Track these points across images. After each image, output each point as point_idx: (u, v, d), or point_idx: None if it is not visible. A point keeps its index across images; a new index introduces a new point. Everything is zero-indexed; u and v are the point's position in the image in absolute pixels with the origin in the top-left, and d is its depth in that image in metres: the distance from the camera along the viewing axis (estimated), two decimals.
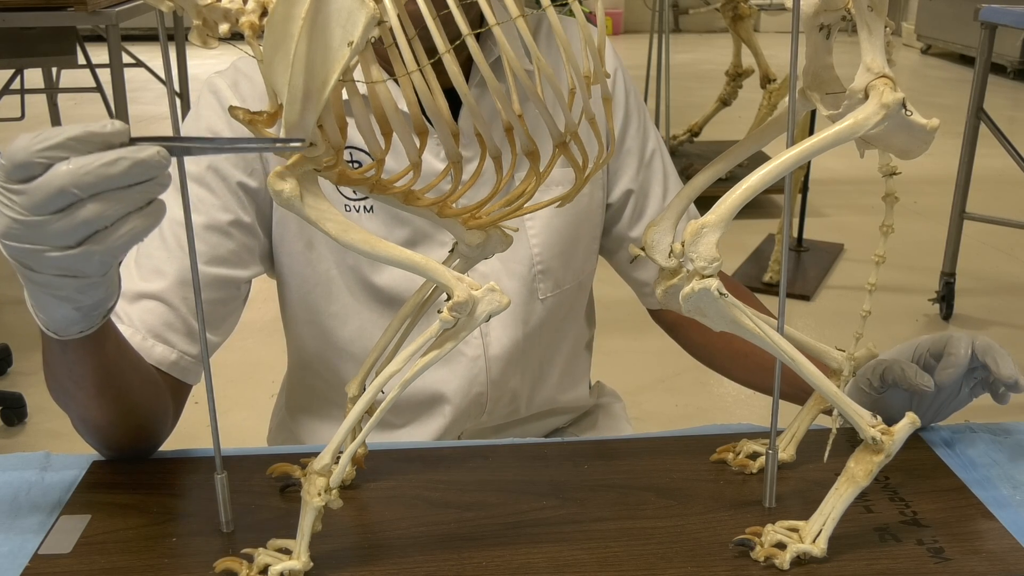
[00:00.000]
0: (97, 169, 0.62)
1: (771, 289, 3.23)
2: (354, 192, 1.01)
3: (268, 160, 1.00)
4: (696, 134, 4.23)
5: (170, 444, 0.95)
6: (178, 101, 3.78)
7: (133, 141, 0.64)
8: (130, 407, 0.87)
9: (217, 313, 1.00)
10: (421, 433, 1.10)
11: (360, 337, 1.05)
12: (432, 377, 1.07)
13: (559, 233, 1.08)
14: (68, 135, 0.63)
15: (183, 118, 0.97)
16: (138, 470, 0.89)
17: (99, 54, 3.23)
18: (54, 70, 3.70)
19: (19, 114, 3.82)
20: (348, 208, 1.02)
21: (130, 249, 0.68)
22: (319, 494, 0.71)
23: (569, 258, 1.10)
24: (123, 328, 0.93)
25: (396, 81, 0.69)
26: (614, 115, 1.10)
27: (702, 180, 0.82)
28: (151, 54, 3.91)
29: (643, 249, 0.79)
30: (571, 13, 0.71)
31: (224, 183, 0.98)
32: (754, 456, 0.90)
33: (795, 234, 3.63)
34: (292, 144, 0.65)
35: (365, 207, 1.02)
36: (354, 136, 0.97)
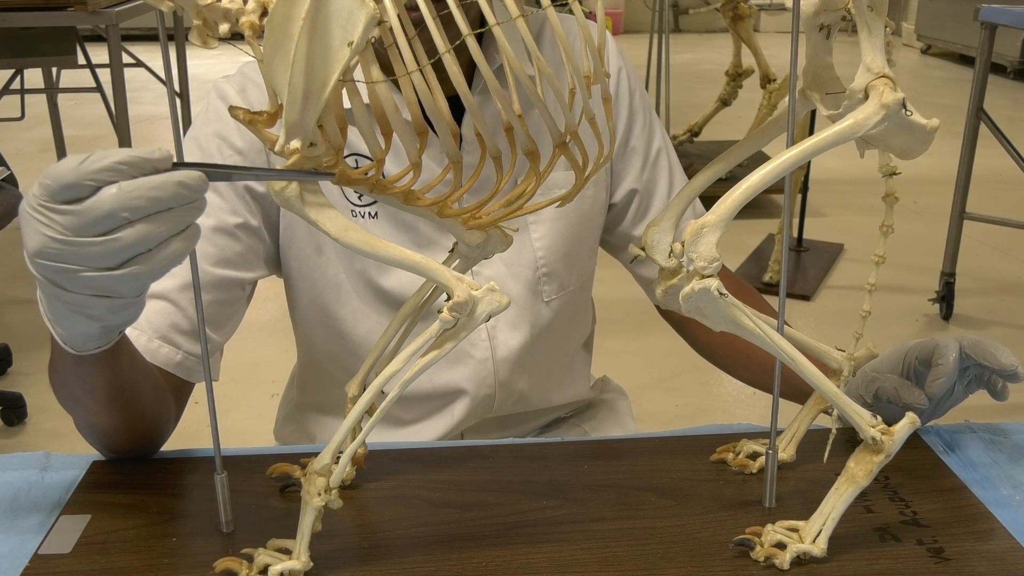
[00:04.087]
0: (147, 192, 0.62)
1: (771, 289, 3.23)
2: (360, 198, 1.02)
3: (274, 165, 1.00)
4: (696, 134, 4.23)
5: (170, 444, 0.95)
6: (178, 101, 3.78)
7: (175, 167, 0.65)
8: (138, 412, 0.88)
9: (222, 313, 1.00)
10: (429, 430, 1.10)
11: (372, 337, 1.05)
12: (441, 378, 1.07)
13: (563, 236, 1.08)
14: (119, 158, 0.62)
15: (183, 118, 0.97)
16: (138, 470, 0.89)
17: (99, 54, 3.23)
18: (54, 70, 3.70)
19: (19, 114, 3.82)
20: (354, 214, 1.02)
21: (167, 271, 0.68)
22: (319, 494, 0.71)
23: (573, 260, 1.10)
24: (128, 331, 0.93)
25: (396, 81, 0.69)
26: (618, 115, 1.10)
27: (702, 180, 0.82)
28: (151, 54, 3.91)
29: (643, 249, 0.79)
30: (571, 13, 0.71)
31: (232, 187, 0.99)
32: (754, 456, 0.90)
33: (795, 234, 3.63)
34: (325, 176, 0.67)
35: (370, 213, 1.03)
36: (354, 142, 0.97)
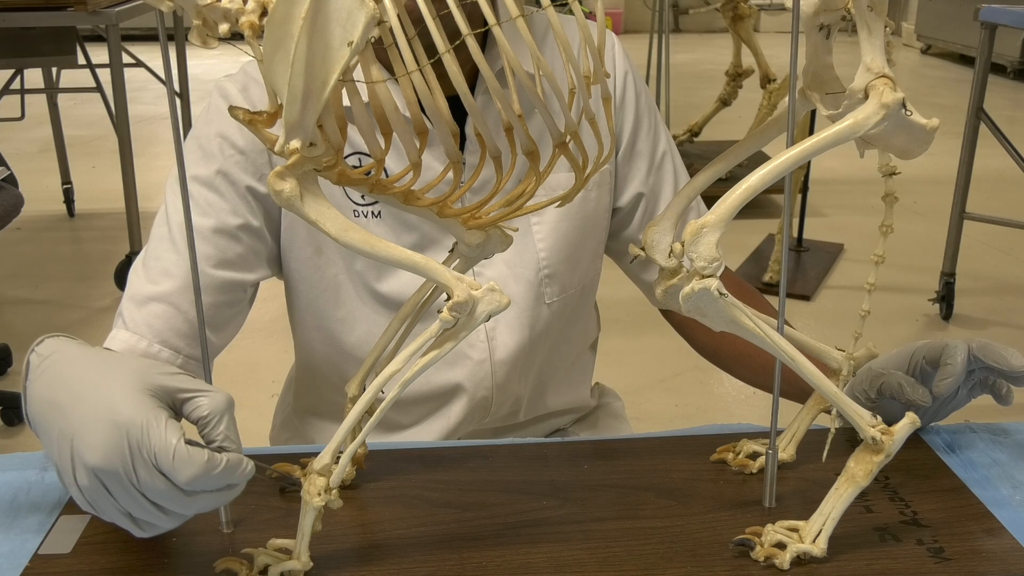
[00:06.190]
0: (227, 500, 0.69)
1: (771, 289, 3.23)
2: (363, 197, 1.01)
3: (276, 164, 1.00)
4: (696, 134, 4.23)
5: None
6: (178, 101, 3.78)
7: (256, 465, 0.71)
8: None
9: (223, 315, 1.00)
10: (426, 435, 1.10)
11: (367, 341, 1.05)
12: (439, 379, 1.07)
13: (565, 237, 1.08)
14: (230, 481, 0.67)
15: (183, 118, 0.98)
16: None
17: (99, 54, 3.23)
18: (54, 70, 3.70)
19: (19, 114, 3.82)
20: (357, 213, 1.02)
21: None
22: (319, 494, 0.71)
23: (575, 263, 1.10)
24: (128, 335, 0.93)
25: (396, 81, 0.69)
26: (624, 118, 1.10)
27: (702, 180, 0.82)
28: (151, 54, 3.90)
29: (643, 249, 0.79)
30: (571, 13, 0.71)
31: (233, 188, 0.98)
32: (754, 456, 0.90)
33: (795, 234, 3.63)
34: None
35: (373, 212, 1.02)
36: (357, 140, 0.97)
